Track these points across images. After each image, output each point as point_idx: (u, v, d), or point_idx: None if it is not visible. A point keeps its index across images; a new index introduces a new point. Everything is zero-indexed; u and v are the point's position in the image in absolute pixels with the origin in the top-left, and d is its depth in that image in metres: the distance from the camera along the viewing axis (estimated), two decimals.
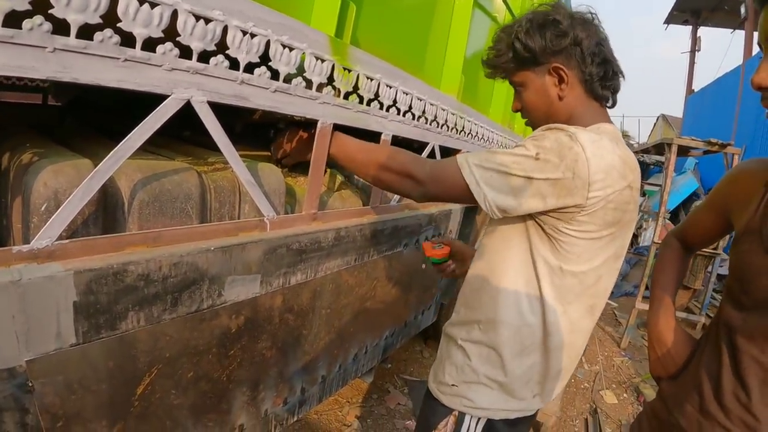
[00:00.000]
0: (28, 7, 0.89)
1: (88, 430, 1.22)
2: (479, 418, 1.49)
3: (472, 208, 3.83)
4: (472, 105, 3.11)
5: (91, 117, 2.39)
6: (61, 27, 0.96)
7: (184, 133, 2.20)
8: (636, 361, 5.62)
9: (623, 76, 1.43)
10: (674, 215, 12.69)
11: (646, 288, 5.94)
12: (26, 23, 0.90)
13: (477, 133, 3.22)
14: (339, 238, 1.91)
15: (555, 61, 1.35)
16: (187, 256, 1.29)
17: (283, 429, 2.03)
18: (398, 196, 2.42)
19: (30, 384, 1.06)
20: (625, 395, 4.73)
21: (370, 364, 2.65)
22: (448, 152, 2.96)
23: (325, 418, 3.37)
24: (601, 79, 1.37)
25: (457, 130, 2.85)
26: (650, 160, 11.81)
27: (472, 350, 1.48)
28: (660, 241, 5.67)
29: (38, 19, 0.92)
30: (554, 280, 1.34)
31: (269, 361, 1.76)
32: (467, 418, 1.49)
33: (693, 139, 5.73)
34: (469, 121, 3.01)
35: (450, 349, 1.56)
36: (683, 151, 6.28)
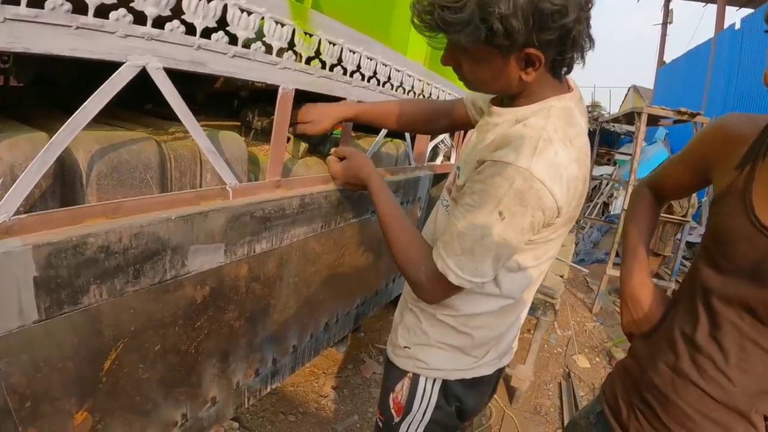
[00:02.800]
0: None
1: (57, 408, 1.22)
2: (435, 379, 1.54)
3: (441, 175, 3.85)
4: (440, 72, 3.11)
5: (53, 94, 2.34)
6: None
7: (146, 106, 2.18)
8: (607, 326, 5.75)
9: (592, 47, 1.22)
10: None
11: (617, 255, 6.06)
12: None
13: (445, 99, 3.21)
14: (304, 205, 1.90)
15: (530, 49, 1.14)
16: (147, 226, 1.29)
17: (256, 400, 2.05)
18: None
19: None
20: (597, 359, 4.85)
21: (342, 333, 2.67)
22: None
23: (301, 390, 3.41)
24: (570, 59, 1.23)
25: (424, 96, 2.84)
26: (621, 129, 11.97)
27: (422, 314, 1.53)
28: None
29: None
30: (510, 265, 1.36)
31: (238, 331, 1.77)
32: (422, 380, 1.55)
33: (663, 109, 5.80)
34: (436, 88, 3.01)
35: (402, 312, 1.64)
36: (653, 121, 6.38)
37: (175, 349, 1.51)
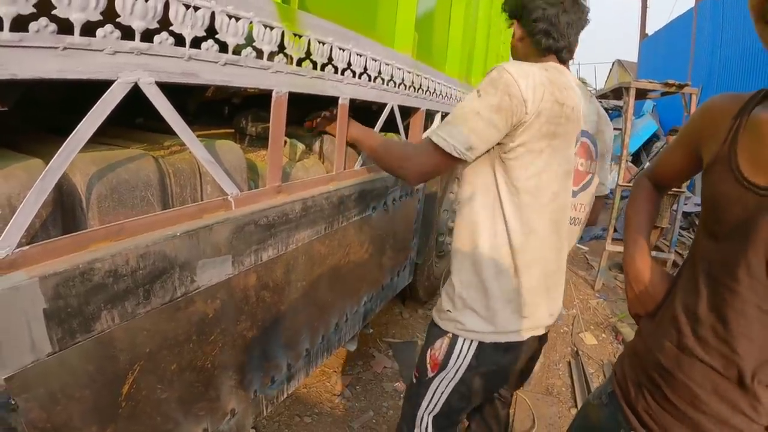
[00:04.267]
0: None
1: None
2: (471, 341, 1.70)
3: None
4: (428, 62, 3.08)
5: (39, 116, 2.30)
6: None
7: (136, 120, 2.13)
8: (611, 301, 5.75)
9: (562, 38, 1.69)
10: (636, 158, 12.92)
11: (615, 230, 6.06)
12: None
13: (435, 89, 3.20)
14: (306, 208, 1.88)
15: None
16: (153, 245, 1.25)
17: (274, 407, 2.03)
18: (360, 160, 2.40)
19: (13, 402, 1.02)
20: (603, 335, 4.85)
21: (352, 331, 2.66)
22: (407, 112, 2.94)
23: (314, 391, 3.39)
24: (544, 34, 1.68)
25: (414, 88, 2.81)
26: (609, 105, 11.97)
27: (459, 279, 1.70)
28: (624, 184, 5.77)
29: None
30: (513, 199, 1.56)
31: (251, 341, 1.74)
32: (459, 340, 1.71)
33: (650, 82, 5.82)
34: (426, 78, 2.98)
35: (447, 280, 1.80)
36: (641, 94, 6.39)
37: (191, 366, 1.48)
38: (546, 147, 1.52)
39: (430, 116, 3.38)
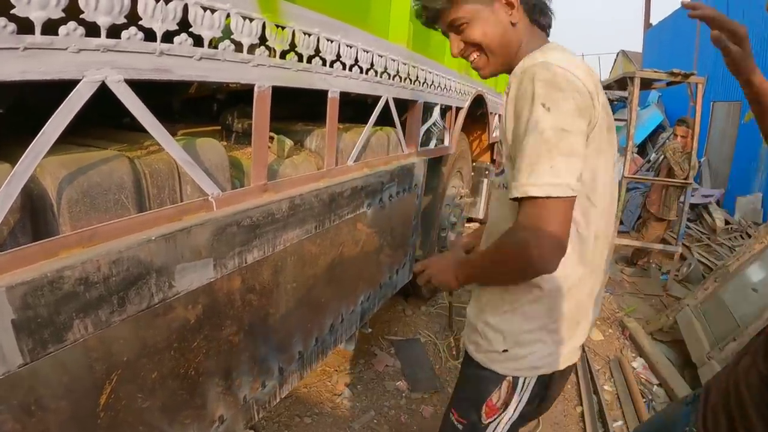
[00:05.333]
0: None
1: None
2: (531, 378, 1.52)
3: (436, 159, 3.78)
4: (425, 53, 3.04)
5: (27, 120, 2.27)
6: None
7: (124, 120, 2.09)
8: (617, 295, 5.71)
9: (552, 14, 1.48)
10: (641, 149, 12.84)
11: (621, 223, 5.99)
12: None
13: (433, 81, 3.16)
14: (294, 207, 1.84)
15: None
16: (126, 250, 1.21)
17: (266, 412, 1.99)
18: (355, 155, 2.35)
19: None
20: (610, 331, 4.81)
21: (349, 331, 2.62)
22: (403, 105, 2.89)
23: (315, 390, 3.37)
24: (541, 8, 1.43)
25: (410, 80, 2.78)
26: (613, 96, 11.89)
27: (512, 307, 1.47)
28: (629, 176, 5.74)
29: None
30: (582, 204, 1.35)
31: (238, 346, 1.70)
32: (521, 380, 1.52)
33: (655, 71, 5.77)
34: (422, 70, 2.94)
35: (483, 314, 1.55)
36: (646, 85, 6.36)
37: (173, 374, 1.44)
38: (606, 144, 1.36)
39: (428, 109, 3.34)
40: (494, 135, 5.40)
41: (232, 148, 2.01)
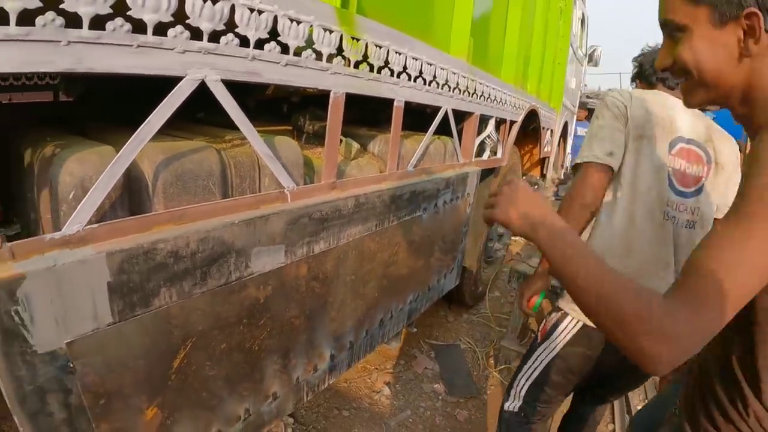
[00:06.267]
0: (40, 4, 0.93)
1: (128, 405, 1.28)
2: (577, 321, 1.91)
3: (488, 170, 3.85)
4: (483, 67, 3.11)
5: (103, 107, 2.43)
6: (73, 20, 0.99)
7: (197, 115, 2.24)
8: None
9: None
10: None
11: None
12: (39, 20, 0.94)
13: (489, 95, 3.22)
14: (359, 205, 1.95)
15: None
16: (212, 231, 1.34)
17: (314, 395, 2.10)
18: (414, 161, 2.45)
19: (71, 365, 1.11)
20: None
21: (395, 328, 2.71)
22: (460, 116, 2.98)
23: (354, 386, 3.45)
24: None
25: (469, 92, 2.85)
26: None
27: None
28: None
29: (50, 15, 0.95)
30: (617, 191, 1.83)
31: (298, 329, 1.82)
32: (567, 318, 1.95)
33: None
34: (480, 84, 3.01)
35: None
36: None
37: (239, 347, 1.56)
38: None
39: (483, 121, 3.42)
40: (545, 150, 5.40)
41: (303, 148, 2.13)
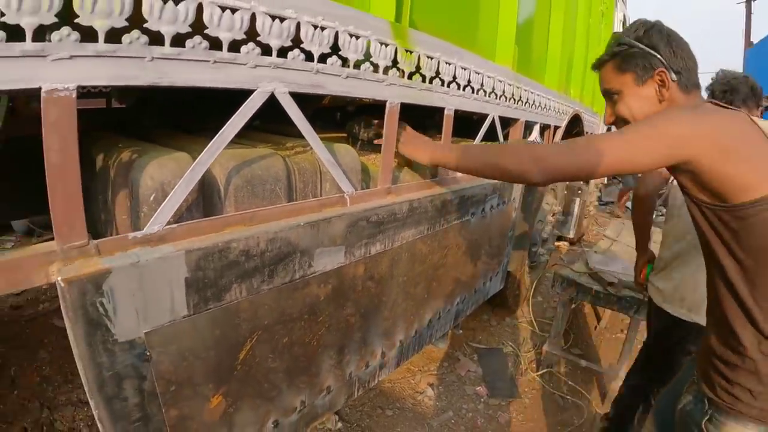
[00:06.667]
0: (125, 23, 1.03)
1: (196, 393, 1.38)
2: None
3: None
4: (527, 74, 3.18)
5: (161, 114, 2.56)
6: (156, 38, 1.10)
7: (254, 123, 2.35)
8: None
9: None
10: None
11: None
12: (125, 38, 1.05)
13: (534, 101, 3.29)
14: (412, 209, 2.03)
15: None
16: (280, 232, 1.44)
17: (364, 391, 2.19)
18: None
19: (148, 353, 1.22)
20: None
21: (442, 329, 2.78)
22: (507, 122, 3.05)
23: (398, 386, 3.52)
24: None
25: (514, 100, 2.92)
26: None
27: None
28: None
29: (136, 33, 1.06)
30: None
31: (354, 326, 1.91)
32: None
33: None
34: (525, 90, 3.08)
35: None
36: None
37: (299, 342, 1.66)
38: None
39: (528, 127, 3.48)
40: None
41: (359, 154, 2.23)
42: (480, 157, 1.59)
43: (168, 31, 1.11)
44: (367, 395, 3.33)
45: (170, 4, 1.09)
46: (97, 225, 1.60)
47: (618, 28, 6.63)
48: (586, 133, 5.08)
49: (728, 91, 2.26)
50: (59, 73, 0.97)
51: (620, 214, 8.23)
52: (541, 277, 5.13)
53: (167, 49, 1.12)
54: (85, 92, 2.99)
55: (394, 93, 1.80)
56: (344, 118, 2.64)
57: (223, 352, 1.42)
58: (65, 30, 0.95)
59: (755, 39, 17.66)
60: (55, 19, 0.94)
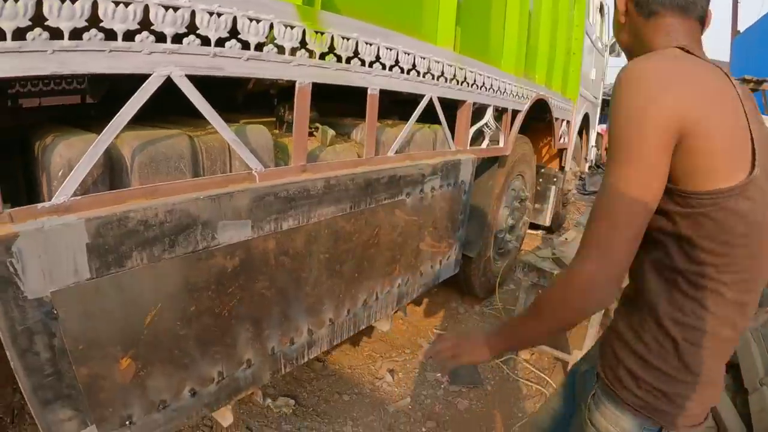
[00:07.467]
0: (29, 23, 1.28)
1: (105, 353, 1.61)
2: None
3: (491, 160, 4.11)
4: (478, 56, 3.40)
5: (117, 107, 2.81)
6: (57, 33, 1.34)
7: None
8: None
9: None
10: None
11: None
12: (29, 35, 1.30)
13: (483, 83, 3.50)
14: (329, 186, 2.25)
15: None
16: (179, 204, 1.68)
17: (293, 368, 2.41)
18: (395, 147, 2.75)
19: (55, 311, 1.46)
20: None
21: (384, 311, 3.02)
22: (452, 104, 3.29)
23: (358, 372, 3.77)
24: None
25: (458, 81, 3.15)
26: None
27: None
28: None
29: (38, 30, 1.31)
30: None
31: (269, 300, 2.14)
32: None
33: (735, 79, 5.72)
34: (471, 72, 3.29)
35: None
36: None
37: (208, 312, 1.89)
38: None
39: (481, 110, 3.71)
40: (561, 141, 5.62)
41: (283, 136, 2.46)
42: (538, 324, 1.38)
43: (66, 26, 1.36)
44: (325, 380, 3.59)
45: (68, 3, 1.34)
46: (32, 200, 1.84)
47: (594, 15, 6.84)
48: (557, 120, 5.30)
49: None
50: None
51: None
52: (511, 265, 5.36)
53: (66, 42, 1.36)
54: (60, 89, 3.26)
55: (303, 73, 2.02)
56: (280, 103, 2.86)
57: (128, 315, 1.65)
58: None
59: (741, 27, 17.78)
60: None
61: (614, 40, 7.65)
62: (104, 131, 1.51)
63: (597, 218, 1.19)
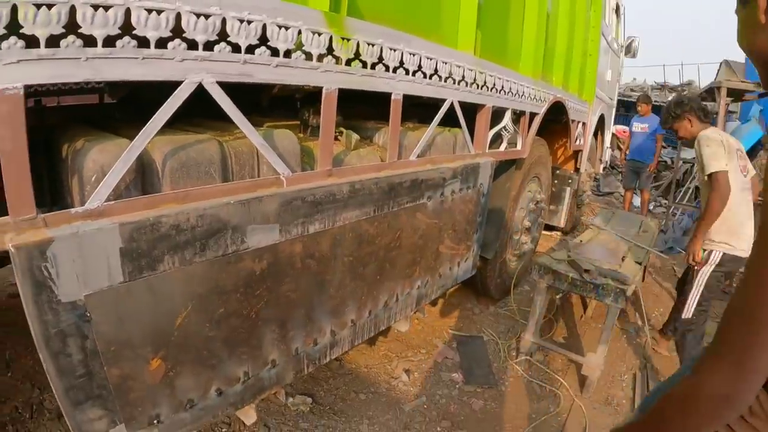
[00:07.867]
0: (62, 30, 1.29)
1: (136, 354, 1.63)
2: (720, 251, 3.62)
3: (508, 162, 4.10)
4: (497, 60, 3.39)
5: (140, 108, 2.83)
6: (90, 41, 1.35)
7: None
8: None
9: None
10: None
11: None
12: (63, 42, 1.30)
13: (503, 87, 3.50)
14: (354, 191, 2.26)
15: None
16: (210, 209, 1.68)
17: (315, 368, 2.42)
18: (417, 152, 2.75)
19: (88, 314, 1.47)
20: None
21: (403, 312, 3.02)
22: (474, 109, 3.28)
23: (374, 372, 3.76)
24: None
25: (477, 85, 3.14)
26: (713, 109, 11.52)
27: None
28: None
29: (71, 37, 1.32)
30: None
31: (295, 302, 2.15)
32: (714, 252, 3.66)
33: (744, 81, 5.61)
34: (491, 76, 3.29)
35: None
36: (737, 96, 6.10)
37: (236, 313, 1.91)
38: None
39: (499, 113, 3.69)
40: (577, 143, 5.57)
41: (308, 140, 2.46)
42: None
43: (100, 34, 1.36)
44: (342, 379, 3.58)
45: (101, 10, 1.34)
46: (61, 203, 1.85)
47: (610, 16, 6.75)
48: (573, 122, 5.23)
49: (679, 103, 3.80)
50: (9, 75, 1.24)
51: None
52: (527, 266, 5.31)
53: (99, 49, 1.37)
54: (79, 88, 3.29)
55: (330, 79, 2.03)
56: (304, 107, 2.87)
57: (159, 317, 1.67)
58: (12, 39, 1.22)
59: None
60: (4, 31, 1.20)
61: (631, 41, 7.56)
62: (137, 137, 1.52)
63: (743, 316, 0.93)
